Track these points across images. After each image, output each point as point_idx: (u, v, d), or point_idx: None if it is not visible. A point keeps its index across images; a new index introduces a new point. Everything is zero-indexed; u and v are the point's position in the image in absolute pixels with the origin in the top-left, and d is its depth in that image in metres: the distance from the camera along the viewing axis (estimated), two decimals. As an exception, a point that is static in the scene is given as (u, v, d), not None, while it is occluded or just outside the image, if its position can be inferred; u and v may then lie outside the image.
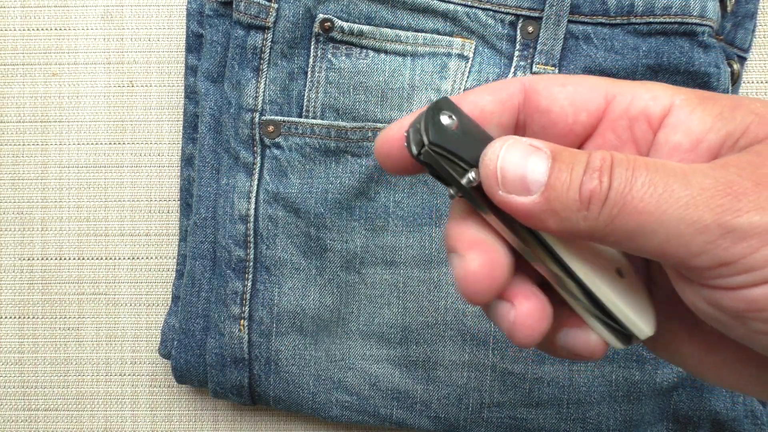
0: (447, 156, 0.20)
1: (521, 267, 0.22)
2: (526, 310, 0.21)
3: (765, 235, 0.17)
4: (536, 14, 0.36)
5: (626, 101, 0.21)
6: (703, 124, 0.20)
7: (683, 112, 0.20)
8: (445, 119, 0.21)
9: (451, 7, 0.36)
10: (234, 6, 0.37)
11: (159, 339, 0.43)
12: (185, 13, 0.41)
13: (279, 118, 0.38)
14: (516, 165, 0.19)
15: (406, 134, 0.21)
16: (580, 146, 0.22)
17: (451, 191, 0.21)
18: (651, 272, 0.23)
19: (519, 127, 0.23)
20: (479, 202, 0.21)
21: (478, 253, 0.21)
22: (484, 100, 0.22)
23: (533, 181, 0.19)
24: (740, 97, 0.20)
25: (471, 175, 0.20)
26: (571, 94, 0.21)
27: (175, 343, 0.40)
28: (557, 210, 0.19)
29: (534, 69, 0.37)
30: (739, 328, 0.19)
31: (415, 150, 0.21)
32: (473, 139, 0.21)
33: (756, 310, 0.18)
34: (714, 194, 0.17)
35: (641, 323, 0.21)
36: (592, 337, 0.22)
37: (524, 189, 0.19)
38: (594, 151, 0.19)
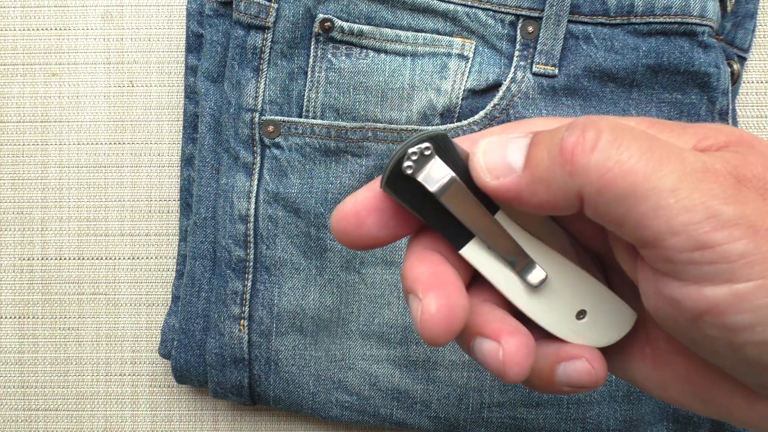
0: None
1: (501, 302, 0.22)
2: (514, 347, 0.21)
3: (744, 228, 0.17)
4: (536, 14, 0.36)
5: None
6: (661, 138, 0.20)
7: None
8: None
9: (451, 7, 0.36)
10: (234, 6, 0.37)
11: (159, 339, 0.43)
12: (185, 13, 0.41)
13: (279, 118, 0.38)
14: (497, 152, 0.20)
15: (407, 163, 0.21)
16: None
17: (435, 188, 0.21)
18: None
19: None
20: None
21: (437, 296, 0.21)
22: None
23: (515, 161, 0.20)
24: (687, 123, 0.21)
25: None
26: None
27: (175, 343, 0.40)
28: (542, 176, 0.19)
29: (534, 69, 0.37)
30: (693, 331, 0.19)
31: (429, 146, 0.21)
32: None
33: (714, 313, 0.18)
34: (703, 178, 0.18)
35: (602, 341, 0.23)
36: (590, 366, 0.22)
37: (508, 170, 0.20)
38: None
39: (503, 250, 0.22)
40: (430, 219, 0.21)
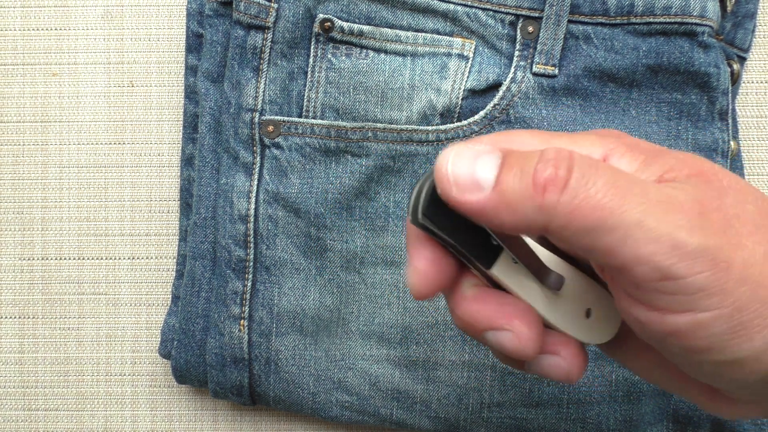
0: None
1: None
2: (527, 330, 0.23)
3: (706, 261, 0.18)
4: (536, 14, 0.36)
5: None
6: (631, 167, 0.21)
7: (614, 158, 0.22)
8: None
9: (451, 7, 0.36)
10: (234, 6, 0.37)
11: (159, 339, 0.43)
12: (185, 13, 0.41)
13: (279, 118, 0.38)
14: (466, 165, 0.20)
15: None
16: None
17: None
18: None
19: None
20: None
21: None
22: None
23: (483, 179, 0.20)
24: (662, 147, 0.22)
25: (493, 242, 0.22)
26: None
27: (175, 343, 0.40)
28: (510, 202, 0.19)
29: (534, 69, 0.37)
30: (659, 345, 0.21)
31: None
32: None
33: (675, 337, 0.19)
34: (668, 208, 0.19)
35: (595, 339, 0.24)
36: (566, 363, 0.24)
37: (476, 187, 0.20)
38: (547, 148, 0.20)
39: (528, 262, 0.23)
40: (463, 241, 0.22)
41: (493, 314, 0.22)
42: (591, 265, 0.25)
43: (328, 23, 0.37)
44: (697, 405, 0.24)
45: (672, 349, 0.20)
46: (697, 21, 0.35)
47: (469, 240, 0.22)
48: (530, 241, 0.23)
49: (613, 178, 0.19)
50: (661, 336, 0.20)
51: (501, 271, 0.23)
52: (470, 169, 0.20)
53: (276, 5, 0.37)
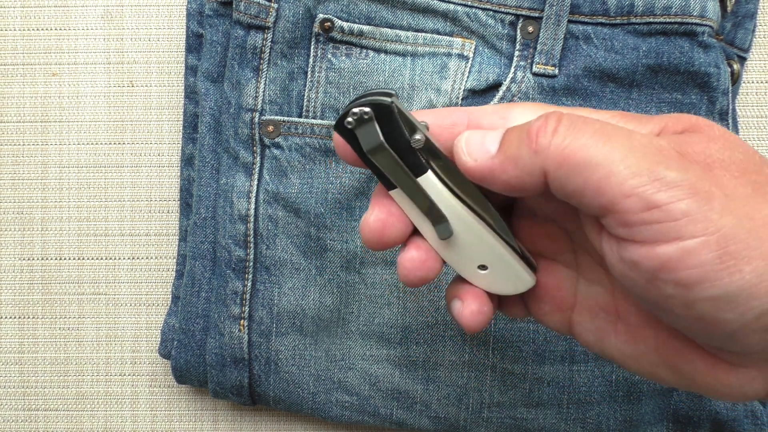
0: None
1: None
2: (409, 256, 0.26)
3: (686, 189, 0.20)
4: (536, 14, 0.36)
5: None
6: (629, 127, 0.23)
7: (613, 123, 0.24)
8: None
9: (451, 7, 0.36)
10: (234, 6, 0.37)
11: (159, 339, 0.43)
12: (185, 13, 0.41)
13: (279, 118, 0.38)
14: (476, 140, 0.24)
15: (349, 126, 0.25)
16: None
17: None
18: (580, 281, 0.27)
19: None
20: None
21: (379, 211, 0.26)
22: (426, 121, 0.26)
23: (491, 147, 0.24)
24: (654, 115, 0.24)
25: (416, 136, 0.25)
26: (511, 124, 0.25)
27: (175, 343, 0.40)
28: (511, 155, 0.23)
29: (534, 69, 0.37)
30: (652, 292, 0.21)
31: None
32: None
33: (666, 270, 0.20)
34: (649, 151, 0.21)
35: (498, 290, 0.27)
36: (465, 312, 0.27)
37: (485, 153, 0.24)
38: None
39: (419, 205, 0.26)
40: (367, 163, 0.26)
41: (381, 203, 0.26)
42: (572, 243, 0.27)
43: (328, 23, 0.37)
44: (695, 387, 0.24)
45: (666, 289, 0.21)
46: (697, 21, 0.35)
47: (373, 165, 0.26)
48: (443, 193, 0.25)
49: (600, 125, 0.22)
50: (653, 273, 0.21)
51: (399, 197, 0.26)
52: (480, 142, 0.24)
53: (276, 5, 0.37)
